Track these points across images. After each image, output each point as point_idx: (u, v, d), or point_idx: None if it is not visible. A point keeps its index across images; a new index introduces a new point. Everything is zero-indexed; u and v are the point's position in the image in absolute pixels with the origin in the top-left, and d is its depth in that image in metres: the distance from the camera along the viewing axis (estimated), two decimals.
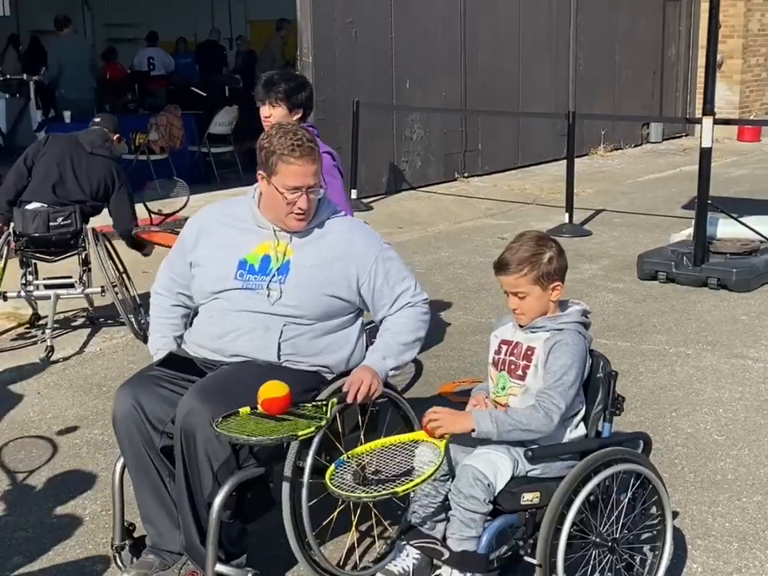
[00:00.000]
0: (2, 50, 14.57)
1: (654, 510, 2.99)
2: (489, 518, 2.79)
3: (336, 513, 3.13)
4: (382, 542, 3.33)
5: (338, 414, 3.01)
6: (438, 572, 2.90)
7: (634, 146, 14.87)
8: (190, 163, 11.38)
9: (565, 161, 9.42)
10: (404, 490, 2.64)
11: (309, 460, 2.92)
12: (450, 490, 2.85)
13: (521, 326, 2.98)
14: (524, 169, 12.73)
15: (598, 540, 2.85)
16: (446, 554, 2.82)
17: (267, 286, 3.08)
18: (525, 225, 9.11)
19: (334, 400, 2.97)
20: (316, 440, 2.91)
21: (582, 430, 2.93)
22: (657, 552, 3.02)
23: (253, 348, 3.08)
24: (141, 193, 6.38)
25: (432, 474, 2.70)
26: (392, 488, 2.65)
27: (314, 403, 2.96)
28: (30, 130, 10.76)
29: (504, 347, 2.99)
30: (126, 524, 3.18)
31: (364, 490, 2.68)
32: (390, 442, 2.88)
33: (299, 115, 4.31)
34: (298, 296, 3.08)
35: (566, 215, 9.03)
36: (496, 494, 2.78)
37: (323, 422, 2.84)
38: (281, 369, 3.07)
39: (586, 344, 2.92)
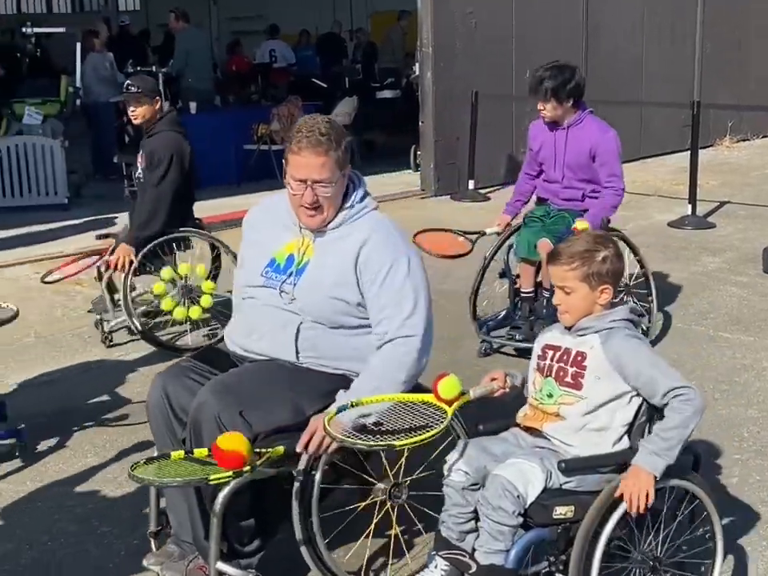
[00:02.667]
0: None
1: (704, 529, 2.82)
2: (523, 531, 2.67)
3: (373, 523, 3.00)
4: (414, 553, 3.24)
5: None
6: None
7: (763, 137, 14.38)
8: None
9: (688, 152, 9.20)
10: (401, 445, 2.58)
11: (317, 479, 2.84)
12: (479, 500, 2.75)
13: (567, 329, 2.85)
14: (645, 160, 12.47)
15: (639, 557, 2.71)
16: (473, 568, 2.73)
17: (280, 287, 3.05)
18: (646, 216, 8.95)
19: (280, 448, 2.80)
20: (319, 470, 2.82)
21: (625, 443, 2.77)
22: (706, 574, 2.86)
23: (274, 347, 3.04)
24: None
25: (433, 435, 2.59)
26: (389, 440, 2.59)
27: (260, 450, 2.78)
28: None
29: (550, 352, 2.86)
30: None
31: (361, 438, 2.62)
32: (398, 399, 2.82)
33: (570, 104, 5.03)
34: (303, 297, 3.02)
35: (689, 207, 8.81)
36: (527, 507, 2.66)
37: (246, 469, 2.64)
38: (302, 370, 3.02)
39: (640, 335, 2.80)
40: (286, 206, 3.12)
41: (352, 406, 2.74)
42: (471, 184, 10.12)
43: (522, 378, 2.93)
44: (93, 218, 8.99)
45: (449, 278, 6.50)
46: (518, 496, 2.63)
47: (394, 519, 3.03)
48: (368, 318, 3.03)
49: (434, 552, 2.87)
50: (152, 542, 3.14)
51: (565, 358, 2.80)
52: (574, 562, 2.62)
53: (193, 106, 10.75)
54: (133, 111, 5.56)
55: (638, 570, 2.72)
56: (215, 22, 20.73)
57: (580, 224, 4.83)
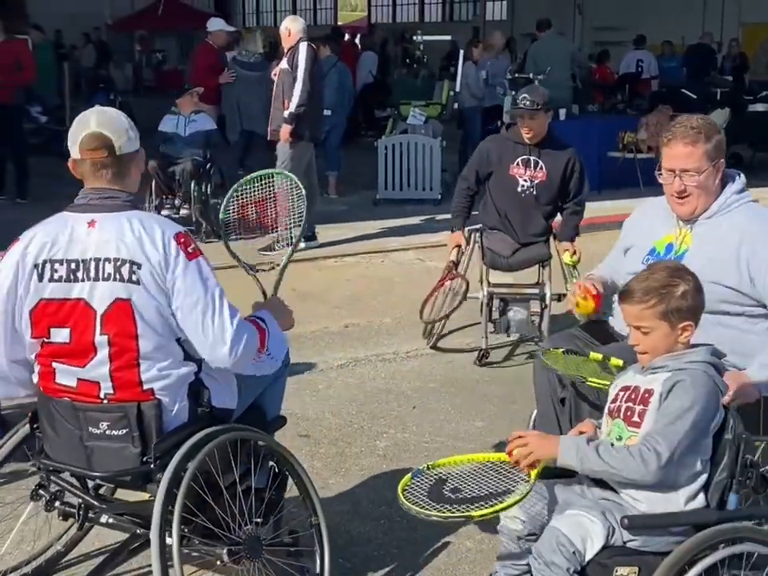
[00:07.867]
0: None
1: None
2: None
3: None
4: None
5: None
6: None
7: None
8: None
9: None
10: (480, 516, 2.42)
11: None
12: None
13: (642, 368, 2.67)
14: None
15: None
16: None
17: None
18: None
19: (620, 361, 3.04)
20: None
21: (700, 501, 2.53)
22: None
23: None
24: None
25: (514, 504, 2.45)
26: (467, 511, 2.43)
27: None
28: None
29: (622, 393, 2.66)
30: None
31: (436, 508, 2.46)
32: (477, 459, 2.69)
33: None
34: None
35: None
36: (584, 564, 2.44)
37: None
38: None
39: (716, 389, 2.55)
40: (666, 204, 3.33)
41: (428, 468, 2.66)
42: None
43: None
44: None
45: None
46: (574, 552, 2.43)
47: None
48: (745, 304, 3.10)
49: None
50: None
51: (633, 396, 2.62)
52: None
53: (562, 112, 11.01)
54: (527, 127, 5.27)
55: None
56: (579, 32, 21.01)
57: None
